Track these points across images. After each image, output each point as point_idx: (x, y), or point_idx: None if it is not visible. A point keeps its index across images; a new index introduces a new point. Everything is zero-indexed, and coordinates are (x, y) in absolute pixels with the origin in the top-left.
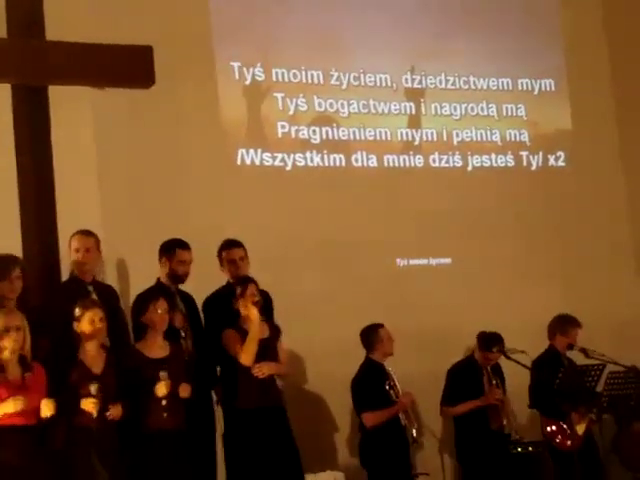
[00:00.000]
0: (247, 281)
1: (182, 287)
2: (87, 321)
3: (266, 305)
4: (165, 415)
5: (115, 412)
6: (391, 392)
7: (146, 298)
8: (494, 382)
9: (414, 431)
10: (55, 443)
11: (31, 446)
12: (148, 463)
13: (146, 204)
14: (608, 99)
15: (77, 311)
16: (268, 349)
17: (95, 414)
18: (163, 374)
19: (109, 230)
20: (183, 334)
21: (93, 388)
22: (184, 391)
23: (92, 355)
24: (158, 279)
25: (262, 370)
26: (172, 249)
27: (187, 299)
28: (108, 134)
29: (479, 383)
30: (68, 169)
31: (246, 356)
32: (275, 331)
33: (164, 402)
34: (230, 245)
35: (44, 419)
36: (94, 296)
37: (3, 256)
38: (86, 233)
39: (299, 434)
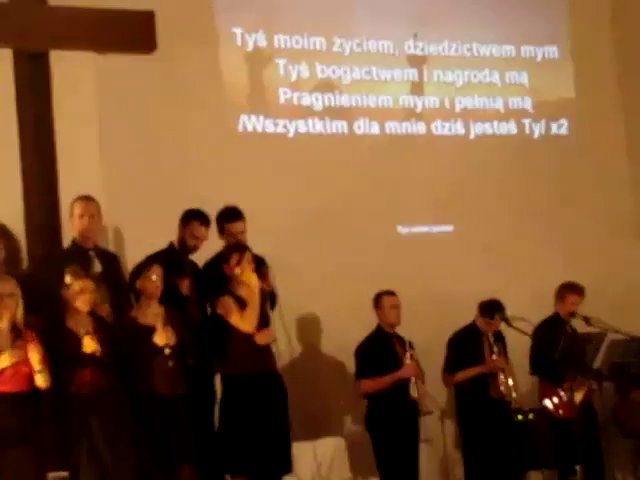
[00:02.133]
0: (243, 248)
1: None
2: (76, 291)
3: (261, 270)
4: (170, 364)
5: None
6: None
7: (141, 264)
8: (495, 350)
9: (421, 401)
10: (51, 411)
11: (26, 412)
12: (149, 426)
13: (147, 171)
14: (612, 67)
15: (68, 279)
16: (260, 315)
17: (99, 349)
18: (159, 324)
19: (110, 197)
20: (188, 301)
21: (82, 330)
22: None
23: (80, 322)
24: (171, 243)
25: (263, 337)
26: (190, 220)
27: (192, 266)
28: (109, 100)
29: (480, 351)
30: (69, 135)
31: (248, 323)
32: (264, 297)
33: (167, 350)
34: (234, 218)
35: (39, 387)
36: (97, 262)
37: None
38: (89, 199)
39: (302, 401)
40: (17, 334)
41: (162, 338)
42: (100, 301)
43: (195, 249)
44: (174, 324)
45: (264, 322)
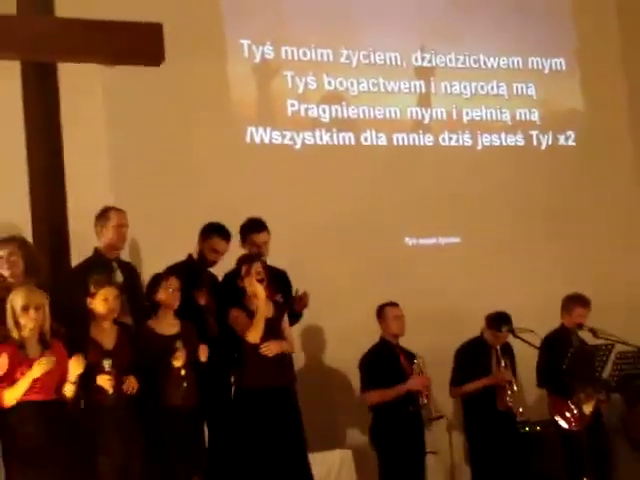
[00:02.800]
0: (253, 259)
1: None
2: (100, 299)
3: (284, 285)
4: (185, 384)
5: (130, 385)
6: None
7: (159, 276)
8: (503, 363)
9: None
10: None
11: (51, 421)
12: (164, 438)
13: (156, 182)
14: (619, 78)
15: (92, 288)
16: (274, 328)
17: (111, 390)
18: (179, 344)
19: (118, 207)
20: (206, 313)
21: (107, 364)
22: (203, 354)
23: (104, 331)
24: (190, 255)
25: (270, 348)
26: (211, 234)
27: (212, 278)
28: (118, 112)
29: (487, 363)
30: (78, 147)
31: (254, 334)
32: (279, 310)
33: (183, 372)
34: (258, 229)
35: (64, 396)
36: (118, 273)
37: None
38: (121, 210)
39: (309, 412)
40: (45, 346)
41: (179, 359)
42: (123, 311)
43: (214, 263)
44: (188, 337)
45: (277, 335)
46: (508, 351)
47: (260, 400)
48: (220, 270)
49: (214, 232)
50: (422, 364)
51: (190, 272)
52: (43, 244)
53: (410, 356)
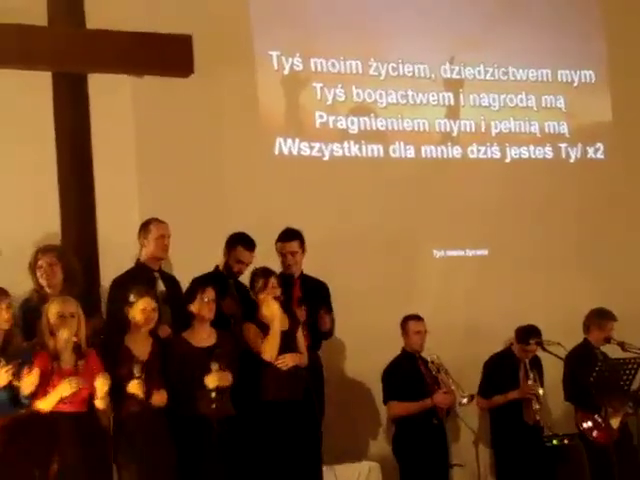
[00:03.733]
0: (269, 273)
1: None
2: (139, 309)
3: (324, 296)
4: (214, 406)
5: (158, 398)
6: (427, 385)
7: (195, 287)
8: (531, 376)
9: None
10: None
11: (82, 432)
12: (196, 447)
13: (185, 194)
14: None
15: (131, 297)
16: (289, 340)
17: (141, 395)
18: (214, 366)
19: (146, 218)
20: (234, 321)
21: (136, 368)
22: (225, 380)
23: (139, 342)
24: (217, 267)
25: (286, 362)
26: (235, 245)
27: (243, 289)
28: (147, 123)
29: (515, 376)
30: (107, 158)
31: (269, 352)
32: (295, 322)
33: (213, 394)
34: (284, 238)
35: (99, 406)
36: (161, 283)
37: (38, 248)
38: (162, 221)
39: (336, 423)
40: (79, 356)
41: (213, 381)
42: (162, 321)
43: (239, 274)
44: (225, 349)
45: (292, 347)
46: (537, 364)
47: (278, 413)
48: None
49: (238, 242)
50: (437, 360)
51: (217, 283)
52: (73, 253)
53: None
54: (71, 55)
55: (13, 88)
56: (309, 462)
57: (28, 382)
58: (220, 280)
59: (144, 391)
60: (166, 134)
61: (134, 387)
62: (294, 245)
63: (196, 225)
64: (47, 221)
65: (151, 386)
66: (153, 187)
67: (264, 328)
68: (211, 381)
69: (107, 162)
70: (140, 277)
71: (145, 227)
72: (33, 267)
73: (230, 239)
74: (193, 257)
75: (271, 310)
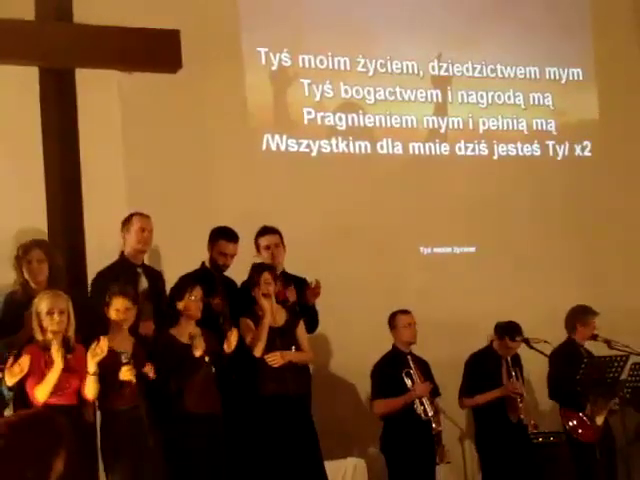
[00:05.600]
0: (262, 269)
1: None
2: (113, 309)
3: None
4: (201, 398)
5: (149, 369)
6: (407, 380)
7: (183, 285)
8: (513, 374)
9: (424, 417)
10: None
11: (72, 425)
12: (183, 444)
13: (173, 189)
14: (636, 89)
15: (107, 296)
16: (284, 337)
17: (134, 380)
18: (199, 339)
19: None
20: (221, 320)
21: (124, 356)
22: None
23: (120, 340)
24: (203, 263)
25: (276, 360)
26: (217, 238)
27: (229, 285)
28: (134, 119)
29: (498, 374)
30: (94, 153)
31: (256, 349)
32: (293, 318)
33: (207, 358)
34: (264, 232)
35: (87, 399)
36: (143, 279)
37: (25, 242)
38: (145, 215)
39: (323, 420)
40: (68, 350)
41: (200, 349)
42: (145, 317)
43: (225, 267)
44: (208, 346)
45: (289, 343)
46: (516, 362)
47: (275, 407)
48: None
49: (219, 235)
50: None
51: (205, 280)
52: (59, 250)
53: (422, 364)
54: (58, 50)
55: (0, 83)
56: (309, 456)
57: (15, 371)
58: (207, 277)
59: (135, 374)
60: (154, 130)
61: (125, 374)
62: (276, 238)
63: (184, 220)
64: (34, 215)
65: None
66: (141, 182)
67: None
68: (198, 351)
69: (94, 157)
70: (122, 273)
71: (127, 220)
72: (19, 261)
73: (212, 233)
74: (181, 252)
75: (263, 307)
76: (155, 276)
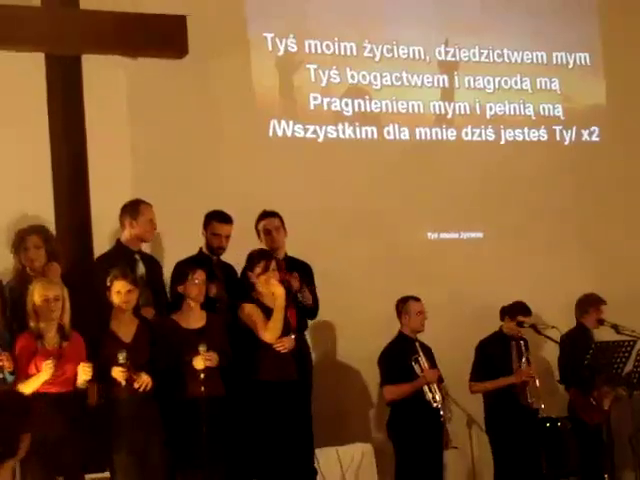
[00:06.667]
0: (269, 257)
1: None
2: (114, 292)
3: (307, 277)
4: (202, 388)
5: (142, 382)
6: (416, 367)
7: (184, 268)
8: (524, 358)
9: (434, 404)
10: (88, 405)
11: (67, 413)
12: (186, 428)
13: (178, 175)
14: None
15: (108, 281)
16: (286, 322)
17: (124, 382)
18: (202, 348)
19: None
20: (218, 304)
21: (121, 357)
22: (213, 361)
23: (123, 324)
24: (200, 248)
25: (285, 346)
26: (209, 221)
27: (227, 269)
28: (141, 105)
29: (508, 358)
30: (100, 138)
31: (271, 334)
32: (288, 301)
33: (202, 375)
34: (265, 215)
35: (80, 387)
36: (141, 265)
37: (23, 228)
38: (150, 204)
39: (329, 406)
40: (63, 337)
41: (200, 363)
42: (144, 303)
43: (220, 249)
44: (214, 331)
45: (287, 327)
46: (526, 345)
47: (276, 393)
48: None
49: (212, 218)
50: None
51: (202, 265)
52: (66, 235)
53: (427, 350)
54: (65, 36)
55: (6, 69)
56: (303, 441)
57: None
58: (204, 262)
59: (126, 378)
60: (160, 116)
61: (117, 374)
62: (277, 221)
63: (190, 206)
64: (40, 203)
65: (136, 369)
66: (147, 169)
67: (264, 310)
68: (198, 363)
69: (101, 144)
70: (120, 259)
71: (134, 208)
72: (17, 247)
73: (205, 218)
74: (186, 239)
75: (276, 292)
76: (152, 262)
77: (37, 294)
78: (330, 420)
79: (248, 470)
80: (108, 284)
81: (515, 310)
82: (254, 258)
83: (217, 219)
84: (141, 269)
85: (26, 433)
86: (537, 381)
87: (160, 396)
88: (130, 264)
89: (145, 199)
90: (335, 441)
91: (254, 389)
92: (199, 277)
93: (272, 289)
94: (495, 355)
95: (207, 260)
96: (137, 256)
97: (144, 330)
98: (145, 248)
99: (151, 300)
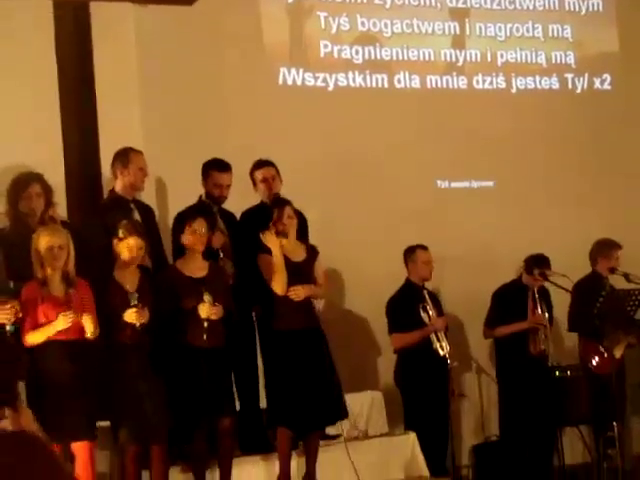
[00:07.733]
0: (283, 203)
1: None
2: (126, 247)
3: (300, 226)
4: (205, 336)
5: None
6: (424, 315)
7: (185, 218)
8: (539, 307)
9: (442, 352)
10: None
11: (75, 358)
12: (187, 376)
13: (187, 123)
14: None
15: (120, 232)
16: (304, 272)
17: (138, 323)
18: (208, 297)
19: (149, 147)
20: (222, 254)
21: (133, 298)
22: (217, 313)
23: (127, 274)
24: (200, 197)
25: (297, 293)
26: (208, 170)
27: (229, 218)
28: (150, 52)
29: (524, 306)
30: (110, 88)
31: (277, 286)
32: (311, 253)
33: (205, 324)
34: (262, 164)
35: (91, 337)
36: (136, 214)
37: (21, 174)
38: (140, 151)
39: (339, 355)
40: (69, 284)
41: (205, 311)
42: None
43: (221, 198)
44: (216, 280)
45: (307, 279)
46: (544, 295)
47: (291, 341)
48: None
49: (211, 167)
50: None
51: (204, 214)
52: (75, 180)
53: (434, 298)
54: None
55: (14, 18)
56: (329, 384)
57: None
58: (205, 210)
59: (139, 318)
60: (169, 64)
61: (130, 316)
62: (272, 170)
63: (198, 154)
64: (50, 151)
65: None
66: (156, 116)
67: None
68: (203, 311)
69: (110, 92)
70: (117, 208)
71: (124, 156)
72: (15, 194)
73: (203, 167)
74: (192, 185)
75: (270, 245)
76: (147, 211)
77: (42, 242)
78: (339, 369)
79: (277, 418)
80: (121, 236)
81: (533, 263)
82: (271, 206)
83: (217, 168)
84: (136, 217)
85: (20, 379)
86: (549, 330)
87: (162, 343)
88: (126, 213)
89: (151, 144)
90: (345, 389)
91: (272, 338)
92: (199, 226)
93: (269, 245)
94: (511, 302)
95: (209, 208)
96: (132, 205)
97: (146, 280)
98: (152, 197)
99: (147, 248)
